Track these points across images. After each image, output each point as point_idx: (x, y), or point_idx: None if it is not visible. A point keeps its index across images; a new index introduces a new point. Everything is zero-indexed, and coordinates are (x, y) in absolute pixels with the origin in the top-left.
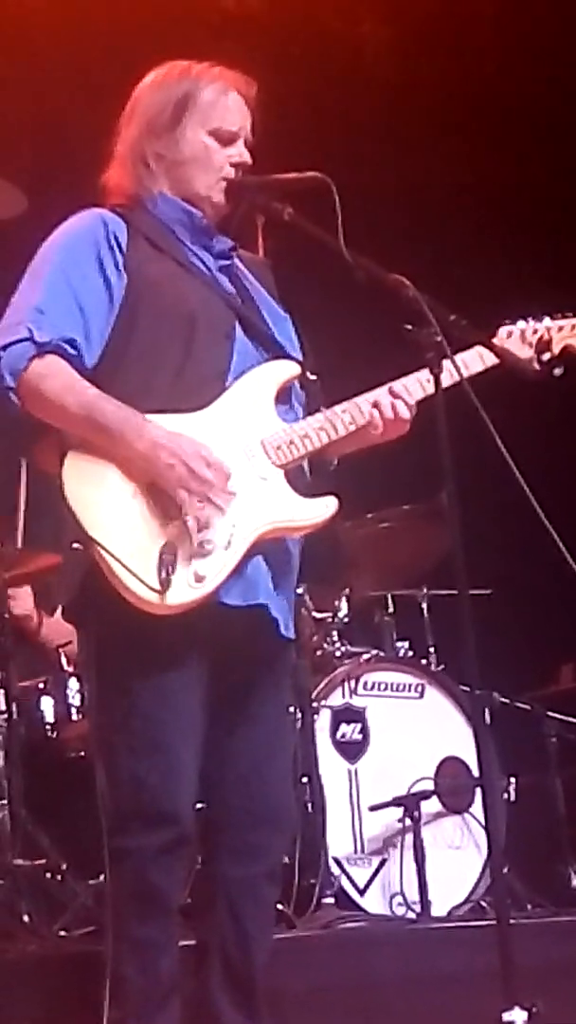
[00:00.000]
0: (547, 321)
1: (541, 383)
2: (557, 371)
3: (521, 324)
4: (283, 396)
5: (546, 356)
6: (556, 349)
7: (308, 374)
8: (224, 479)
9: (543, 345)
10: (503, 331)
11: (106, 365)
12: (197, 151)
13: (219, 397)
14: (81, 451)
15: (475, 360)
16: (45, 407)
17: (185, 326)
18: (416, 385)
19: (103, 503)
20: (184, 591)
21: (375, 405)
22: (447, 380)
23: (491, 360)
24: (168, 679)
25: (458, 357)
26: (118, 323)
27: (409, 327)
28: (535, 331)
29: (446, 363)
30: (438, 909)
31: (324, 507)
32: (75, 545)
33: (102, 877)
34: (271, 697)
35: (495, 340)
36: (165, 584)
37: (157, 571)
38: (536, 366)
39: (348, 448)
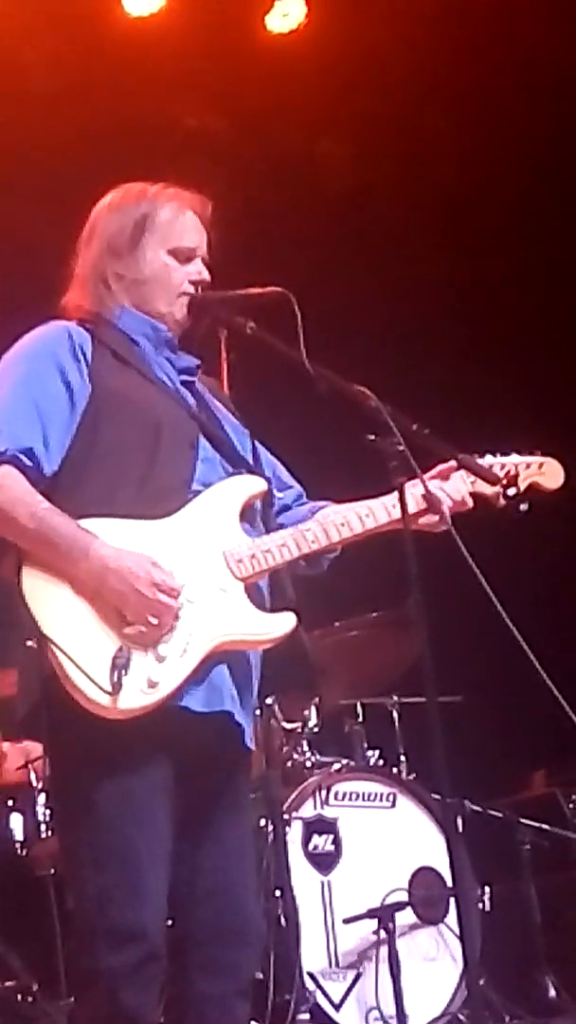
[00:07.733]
0: (514, 457)
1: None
2: (523, 507)
3: (489, 459)
4: (248, 510)
5: (512, 492)
6: (522, 485)
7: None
8: (175, 596)
9: (510, 481)
10: None
11: (69, 472)
12: (157, 270)
13: (183, 506)
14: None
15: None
16: None
17: (150, 435)
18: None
19: (59, 603)
20: (136, 696)
21: (431, 503)
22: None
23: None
24: (133, 789)
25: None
26: (81, 431)
27: (372, 437)
28: (502, 466)
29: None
30: (415, 1023)
31: (282, 623)
32: (29, 643)
33: (73, 998)
34: (235, 808)
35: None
36: (117, 687)
37: (110, 673)
38: (502, 501)
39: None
